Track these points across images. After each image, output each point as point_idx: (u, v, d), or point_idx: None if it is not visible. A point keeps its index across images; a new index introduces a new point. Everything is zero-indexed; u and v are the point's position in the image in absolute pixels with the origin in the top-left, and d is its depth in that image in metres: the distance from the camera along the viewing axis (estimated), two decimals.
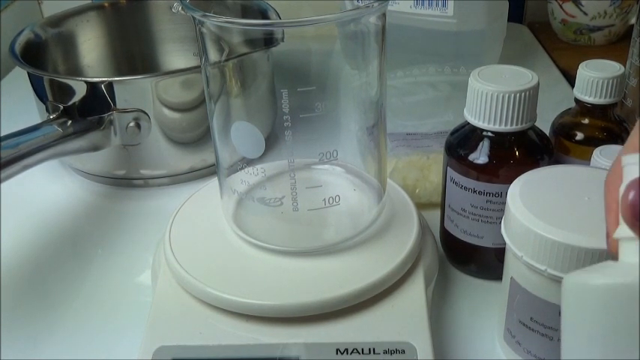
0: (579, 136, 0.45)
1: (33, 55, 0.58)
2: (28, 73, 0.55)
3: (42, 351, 0.40)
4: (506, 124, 0.38)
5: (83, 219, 0.53)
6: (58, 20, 0.65)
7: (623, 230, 0.22)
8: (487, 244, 0.42)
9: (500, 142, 0.39)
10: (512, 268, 0.35)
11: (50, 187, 0.57)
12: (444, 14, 0.65)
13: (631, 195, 0.19)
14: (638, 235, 0.21)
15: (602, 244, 0.30)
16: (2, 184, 0.44)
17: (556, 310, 0.33)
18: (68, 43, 0.66)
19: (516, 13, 0.89)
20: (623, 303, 0.21)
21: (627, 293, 0.21)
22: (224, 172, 0.41)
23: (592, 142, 0.43)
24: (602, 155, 0.40)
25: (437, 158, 0.50)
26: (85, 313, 0.43)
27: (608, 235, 0.22)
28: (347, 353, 0.34)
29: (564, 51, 0.80)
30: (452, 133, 0.42)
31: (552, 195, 0.34)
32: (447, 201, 0.43)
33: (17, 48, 0.57)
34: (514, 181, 0.35)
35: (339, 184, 0.42)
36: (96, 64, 0.68)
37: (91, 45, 0.67)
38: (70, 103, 0.52)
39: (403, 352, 0.34)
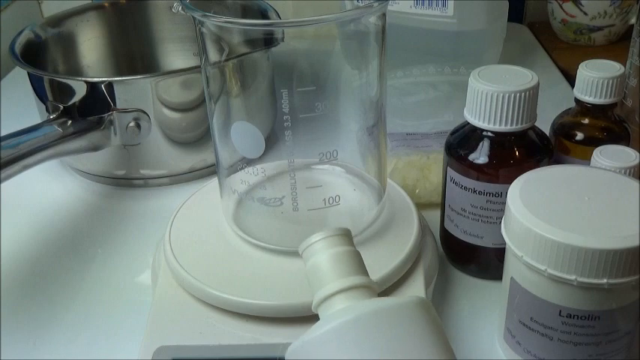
0: (579, 136, 0.45)
1: (33, 55, 0.58)
2: (28, 73, 0.55)
3: (42, 351, 0.40)
4: (506, 124, 0.38)
5: (83, 219, 0.53)
6: (58, 20, 0.65)
7: (316, 299, 0.28)
8: (487, 244, 0.42)
9: (500, 142, 0.39)
10: (512, 268, 0.35)
11: (50, 187, 0.57)
12: (444, 14, 0.65)
13: None
14: None
15: (602, 244, 0.30)
16: (2, 184, 0.44)
17: (556, 310, 0.33)
18: (68, 43, 0.66)
19: (516, 13, 0.89)
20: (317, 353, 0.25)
21: (315, 345, 0.26)
22: (224, 172, 0.41)
23: (592, 142, 0.43)
24: (602, 155, 0.40)
25: (437, 158, 0.50)
26: (85, 313, 0.43)
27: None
28: None
29: (564, 51, 0.80)
30: (452, 133, 0.42)
31: (552, 195, 0.34)
32: (447, 201, 0.43)
33: (17, 48, 0.57)
34: (514, 181, 0.35)
35: (339, 184, 0.42)
36: (96, 64, 0.68)
37: (91, 45, 0.67)
38: (70, 103, 0.52)
39: None
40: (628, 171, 0.39)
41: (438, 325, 0.27)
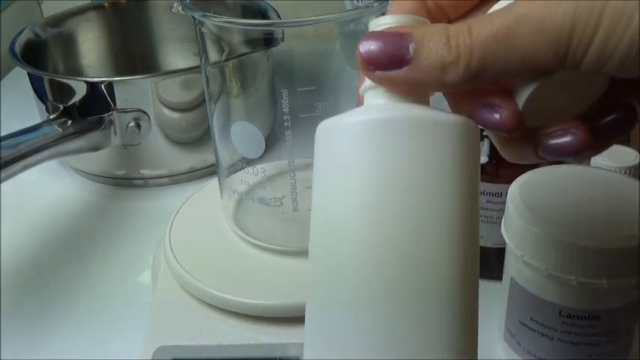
0: None
1: (33, 55, 0.58)
2: (28, 73, 0.55)
3: (42, 351, 0.40)
4: None
5: (83, 219, 0.53)
6: (58, 20, 0.65)
7: (366, 83, 0.24)
8: (487, 244, 0.42)
9: None
10: (512, 268, 0.35)
11: (50, 187, 0.57)
12: None
13: (360, 47, 0.23)
14: (374, 80, 0.23)
15: (602, 244, 0.30)
16: (2, 184, 0.44)
17: (556, 310, 0.33)
18: (68, 43, 0.66)
19: None
20: (368, 137, 0.23)
21: (370, 127, 0.23)
22: (224, 172, 0.41)
23: None
24: (602, 155, 0.40)
25: None
26: (85, 313, 0.43)
27: (359, 96, 0.25)
28: None
29: None
30: None
31: (552, 195, 0.34)
32: None
33: (17, 48, 0.57)
34: (514, 181, 0.35)
35: None
36: (96, 64, 0.68)
37: (91, 45, 0.67)
38: (70, 103, 0.52)
39: None
40: (628, 171, 0.39)
41: (477, 158, 0.24)
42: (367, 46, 0.23)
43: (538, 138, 0.24)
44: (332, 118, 0.24)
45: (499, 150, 0.26)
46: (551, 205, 0.33)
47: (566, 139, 0.23)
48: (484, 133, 0.40)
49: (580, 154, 0.23)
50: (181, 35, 0.70)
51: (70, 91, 0.52)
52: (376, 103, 0.24)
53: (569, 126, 0.23)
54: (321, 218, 0.25)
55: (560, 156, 0.23)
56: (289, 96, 0.35)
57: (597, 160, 0.40)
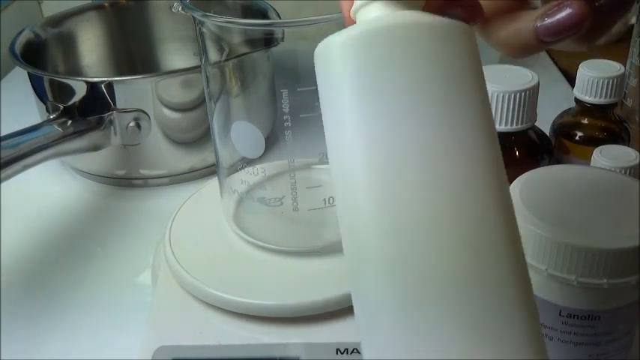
0: (579, 136, 0.45)
1: (33, 55, 0.58)
2: (28, 73, 0.55)
3: (42, 351, 0.40)
4: (506, 124, 0.38)
5: (83, 219, 0.53)
6: (58, 20, 0.65)
7: (356, 3, 0.23)
8: None
9: (500, 142, 0.39)
10: None
11: (50, 187, 0.57)
12: None
13: None
14: None
15: (602, 244, 0.30)
16: (2, 184, 0.44)
17: (556, 310, 0.33)
18: (68, 43, 0.66)
19: None
20: (360, 51, 0.22)
21: (362, 40, 0.22)
22: (224, 172, 0.41)
23: (592, 142, 0.43)
24: (602, 155, 0.40)
25: None
26: (85, 313, 0.43)
27: (347, 19, 0.25)
28: (347, 353, 0.34)
29: (564, 51, 0.80)
30: None
31: (552, 195, 0.34)
32: None
33: (17, 48, 0.57)
34: (514, 181, 0.35)
35: None
36: (96, 64, 0.68)
37: (91, 45, 0.67)
38: (70, 103, 0.52)
39: None
40: (628, 171, 0.39)
41: (479, 63, 0.23)
42: None
43: (535, 19, 0.24)
44: (323, 41, 0.23)
45: (501, 47, 0.25)
46: (551, 205, 0.33)
47: (565, 11, 0.23)
48: None
49: (579, 24, 0.23)
50: (181, 35, 0.70)
51: (70, 91, 0.52)
52: (369, 17, 0.23)
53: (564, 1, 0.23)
54: (336, 171, 0.23)
55: (560, 32, 0.23)
56: (289, 96, 0.35)
57: (597, 160, 0.40)
